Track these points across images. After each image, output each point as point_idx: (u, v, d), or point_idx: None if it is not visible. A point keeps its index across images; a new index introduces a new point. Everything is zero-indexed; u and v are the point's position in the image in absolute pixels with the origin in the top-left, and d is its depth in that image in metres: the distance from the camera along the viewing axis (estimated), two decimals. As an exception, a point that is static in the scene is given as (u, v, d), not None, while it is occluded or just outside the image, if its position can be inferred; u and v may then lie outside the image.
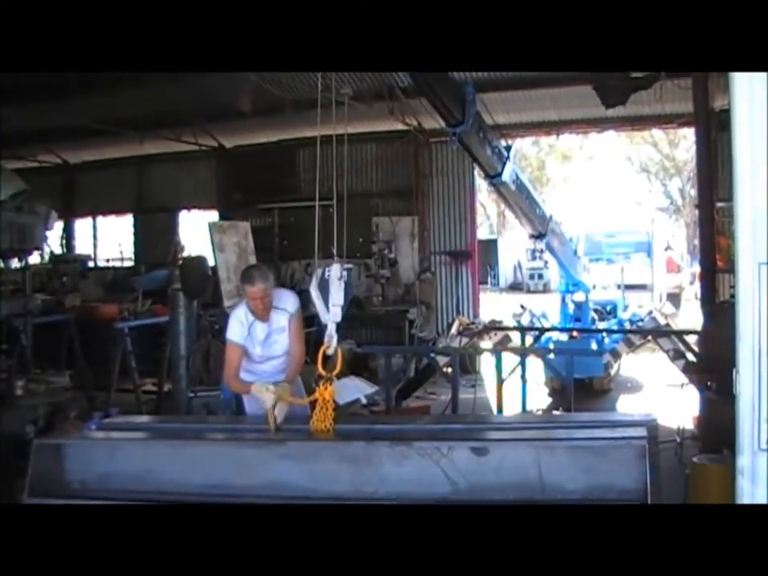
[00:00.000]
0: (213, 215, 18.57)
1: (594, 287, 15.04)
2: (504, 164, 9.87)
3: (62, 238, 20.72)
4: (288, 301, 6.32)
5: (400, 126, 15.58)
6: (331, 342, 5.51)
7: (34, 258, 13.13)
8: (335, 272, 5.44)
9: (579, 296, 13.60)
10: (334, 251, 5.66)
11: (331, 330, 5.52)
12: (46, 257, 16.66)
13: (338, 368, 5.49)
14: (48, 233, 8.94)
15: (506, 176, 9.93)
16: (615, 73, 12.78)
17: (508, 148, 10.19)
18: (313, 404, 5.44)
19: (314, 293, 5.53)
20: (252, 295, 6.06)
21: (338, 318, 5.50)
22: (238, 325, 6.22)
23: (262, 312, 6.13)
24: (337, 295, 5.45)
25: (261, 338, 6.24)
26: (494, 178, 9.98)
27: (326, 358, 5.49)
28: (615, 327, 13.93)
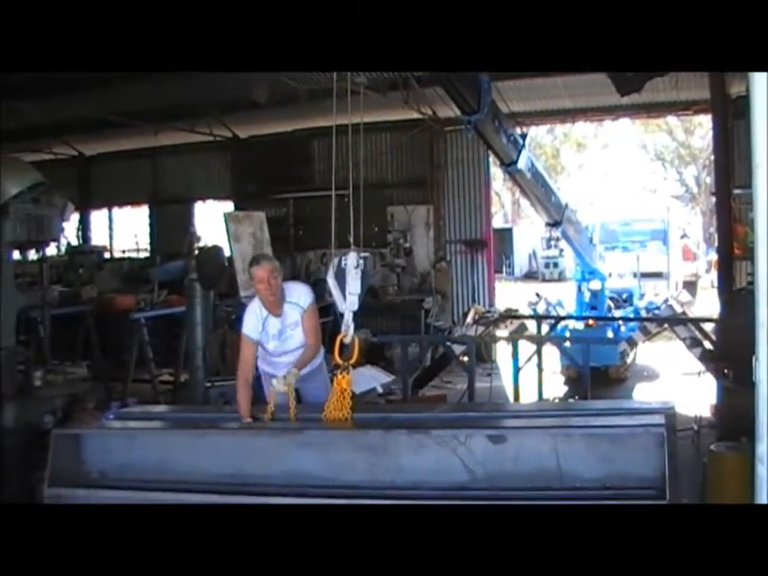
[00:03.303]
0: (228, 206, 18.59)
1: (610, 275, 14.97)
2: (519, 152, 9.82)
3: (78, 229, 20.79)
4: (301, 295, 6.31)
5: (415, 115, 15.52)
6: (348, 330, 5.52)
7: (51, 250, 13.18)
8: (352, 261, 5.45)
9: (595, 284, 13.54)
10: (351, 240, 5.66)
11: (348, 318, 5.53)
12: (63, 249, 16.73)
13: (355, 357, 5.50)
14: (64, 224, 8.94)
15: (522, 164, 9.89)
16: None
17: (523, 136, 10.14)
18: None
19: (331, 282, 5.54)
20: (258, 277, 6.07)
21: (355, 307, 5.51)
22: (253, 318, 6.22)
23: (269, 296, 6.12)
24: (353, 284, 5.46)
25: (274, 333, 6.24)
26: (509, 166, 9.94)
27: (342, 346, 5.50)
28: (631, 315, 13.89)
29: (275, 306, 6.15)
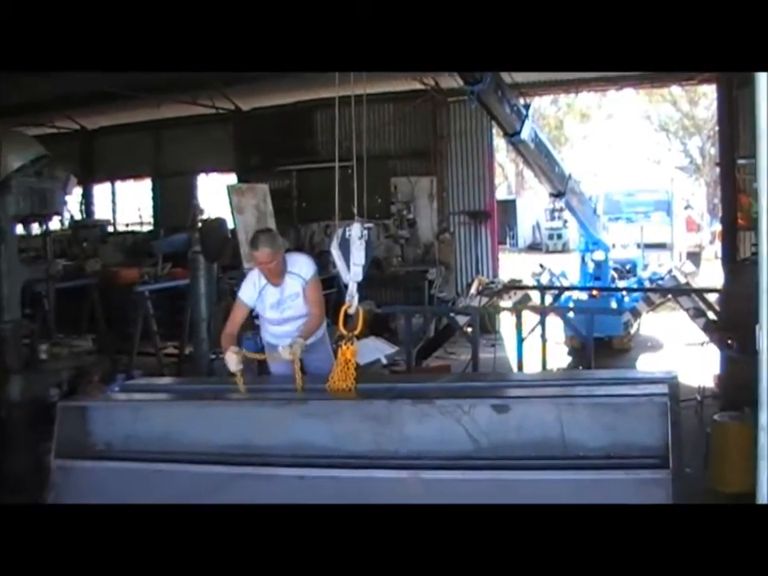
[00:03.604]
0: (231, 178, 18.56)
1: (614, 246, 14.96)
2: (523, 122, 9.81)
3: (82, 203, 20.78)
4: (303, 267, 6.33)
5: (418, 86, 15.49)
6: (352, 301, 5.53)
7: (55, 224, 13.16)
8: (356, 231, 5.44)
9: (599, 255, 13.52)
10: (355, 211, 5.65)
11: (352, 289, 5.53)
12: (66, 223, 16.73)
13: (359, 327, 5.51)
14: (67, 198, 8.92)
15: (525, 134, 9.87)
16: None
17: (526, 106, 10.12)
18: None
19: (335, 252, 5.54)
20: (257, 260, 6.13)
21: (359, 278, 5.51)
22: (251, 286, 6.28)
23: (272, 277, 6.16)
24: (358, 254, 5.46)
25: (272, 302, 6.27)
26: (512, 136, 9.93)
27: (347, 317, 5.51)
28: (635, 286, 13.89)
29: (275, 277, 6.19)
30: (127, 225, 21.11)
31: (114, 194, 21.54)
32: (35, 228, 8.94)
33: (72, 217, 17.37)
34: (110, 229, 19.82)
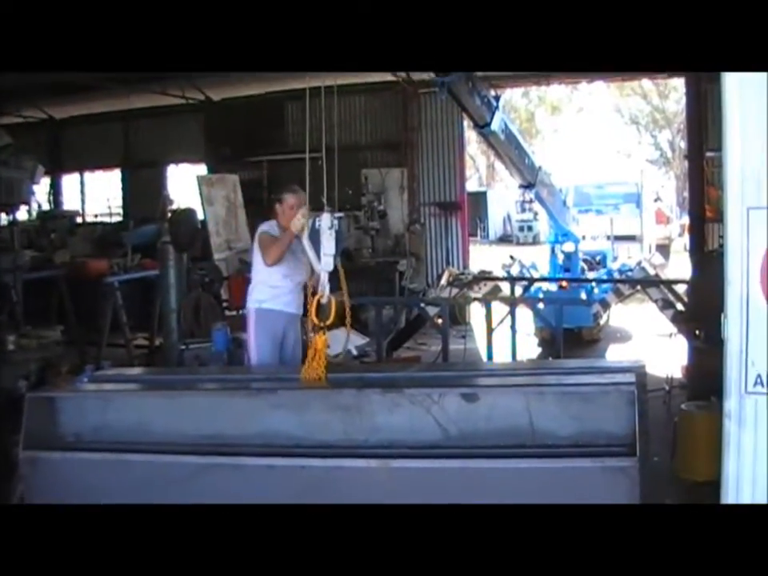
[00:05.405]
0: (201, 169, 18.48)
1: (584, 238, 15.05)
2: (493, 114, 9.84)
3: (50, 194, 20.61)
4: None
5: (388, 77, 15.47)
6: (324, 291, 5.54)
7: (22, 215, 13.04)
8: (326, 221, 5.45)
9: (569, 246, 13.59)
10: (325, 201, 5.65)
11: (323, 279, 5.54)
12: (34, 213, 16.60)
13: (331, 317, 5.52)
14: (35, 188, 8.85)
15: (495, 125, 9.91)
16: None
17: (497, 98, 10.16)
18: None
19: (306, 243, 5.55)
20: (289, 202, 6.52)
21: (330, 268, 5.52)
22: (270, 230, 6.61)
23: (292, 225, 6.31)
24: (328, 244, 5.46)
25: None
26: (483, 127, 9.96)
27: (319, 307, 5.52)
28: (604, 277, 13.97)
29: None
30: (96, 215, 20.98)
31: (82, 184, 21.36)
32: (2, 218, 8.87)
33: (40, 207, 17.26)
34: (79, 219, 19.71)
